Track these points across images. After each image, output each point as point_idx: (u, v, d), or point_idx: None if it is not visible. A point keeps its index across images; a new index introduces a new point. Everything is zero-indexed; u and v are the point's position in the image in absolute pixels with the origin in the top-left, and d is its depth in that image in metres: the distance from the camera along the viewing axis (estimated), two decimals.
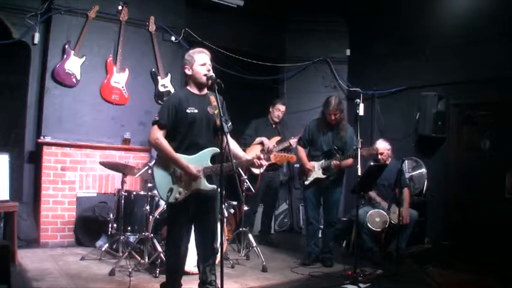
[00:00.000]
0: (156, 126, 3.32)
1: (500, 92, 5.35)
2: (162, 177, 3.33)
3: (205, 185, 3.34)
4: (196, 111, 3.33)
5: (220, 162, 3.11)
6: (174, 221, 3.43)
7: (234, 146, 3.53)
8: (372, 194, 5.31)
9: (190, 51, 3.45)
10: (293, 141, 5.66)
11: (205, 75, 3.32)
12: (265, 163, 3.39)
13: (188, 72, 3.41)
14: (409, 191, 5.36)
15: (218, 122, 3.25)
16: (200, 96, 3.41)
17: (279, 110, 5.94)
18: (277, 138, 5.87)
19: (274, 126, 6.01)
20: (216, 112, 3.34)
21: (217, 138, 3.32)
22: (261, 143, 5.78)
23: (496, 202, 5.23)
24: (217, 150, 3.32)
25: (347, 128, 4.86)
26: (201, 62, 3.35)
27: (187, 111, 3.31)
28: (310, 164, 4.84)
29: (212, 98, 3.41)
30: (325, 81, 7.20)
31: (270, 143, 5.77)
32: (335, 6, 6.97)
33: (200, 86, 3.41)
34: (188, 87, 3.45)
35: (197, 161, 3.32)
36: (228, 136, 3.31)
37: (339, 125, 4.80)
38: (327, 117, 4.79)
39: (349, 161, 4.72)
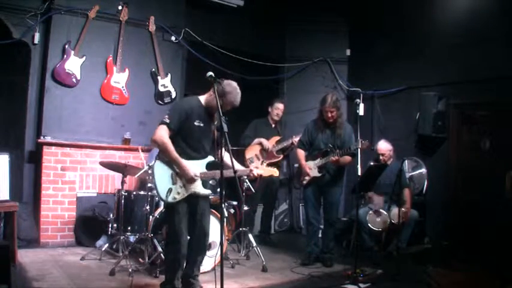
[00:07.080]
0: (164, 126, 3.37)
1: (500, 92, 5.34)
2: (161, 178, 3.42)
3: (202, 189, 3.52)
4: (202, 124, 3.47)
5: (217, 168, 3.30)
6: (173, 220, 3.47)
7: (226, 157, 3.40)
8: (370, 194, 5.30)
9: (233, 84, 3.54)
10: (296, 139, 5.65)
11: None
12: (253, 175, 3.57)
13: (213, 97, 3.30)
14: (410, 191, 5.35)
15: (217, 123, 3.37)
16: (206, 109, 3.53)
17: (278, 109, 5.99)
18: (277, 138, 5.90)
19: (273, 126, 6.05)
20: (216, 123, 3.51)
21: (216, 149, 3.57)
22: (260, 144, 5.82)
23: (496, 202, 5.22)
24: (212, 158, 3.57)
25: (345, 126, 4.84)
26: (232, 104, 3.47)
27: (195, 123, 3.43)
28: (307, 166, 4.83)
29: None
30: (325, 81, 7.20)
31: (269, 143, 5.81)
32: (335, 6, 6.96)
33: (212, 110, 3.51)
34: (200, 98, 3.55)
35: (194, 167, 3.45)
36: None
37: (336, 123, 4.79)
38: (324, 115, 4.78)
39: (348, 158, 4.70)
